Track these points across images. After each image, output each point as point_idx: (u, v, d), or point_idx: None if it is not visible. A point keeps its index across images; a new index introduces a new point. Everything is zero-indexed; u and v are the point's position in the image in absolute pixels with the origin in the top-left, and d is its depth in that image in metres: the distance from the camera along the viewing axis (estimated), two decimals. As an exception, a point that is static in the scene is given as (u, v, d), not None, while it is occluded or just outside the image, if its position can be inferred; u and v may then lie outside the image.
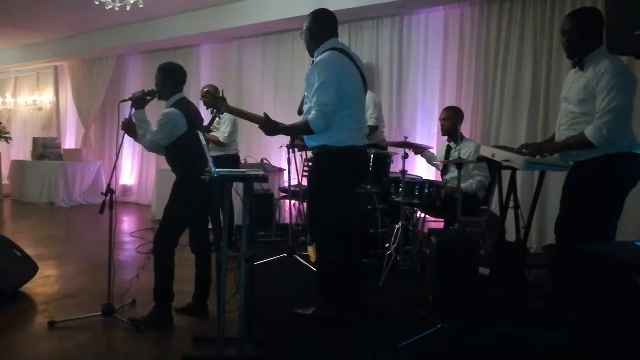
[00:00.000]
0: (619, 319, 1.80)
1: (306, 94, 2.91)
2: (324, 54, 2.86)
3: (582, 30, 2.67)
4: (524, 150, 3.01)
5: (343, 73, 2.81)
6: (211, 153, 4.75)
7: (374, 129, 4.88)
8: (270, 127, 2.85)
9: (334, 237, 2.90)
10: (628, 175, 2.66)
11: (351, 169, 2.92)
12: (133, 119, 3.03)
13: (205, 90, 5.05)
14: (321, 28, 2.95)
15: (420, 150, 4.43)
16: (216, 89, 5.08)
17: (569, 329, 2.52)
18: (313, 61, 2.96)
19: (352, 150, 2.86)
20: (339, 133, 2.80)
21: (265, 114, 2.86)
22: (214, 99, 3.08)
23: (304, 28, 2.99)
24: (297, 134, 3.02)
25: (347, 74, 2.84)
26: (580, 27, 2.67)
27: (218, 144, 4.89)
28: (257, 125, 2.90)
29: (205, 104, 5.08)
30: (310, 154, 5.31)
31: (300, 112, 3.19)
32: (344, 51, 2.94)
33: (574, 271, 2.52)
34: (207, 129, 4.86)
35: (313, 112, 2.75)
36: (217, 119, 4.77)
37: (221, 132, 4.90)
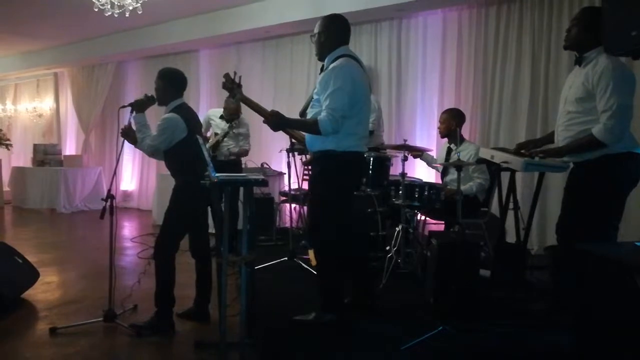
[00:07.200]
0: (619, 320, 1.80)
1: (316, 97, 2.92)
2: (340, 60, 2.87)
3: (586, 26, 2.67)
4: (522, 151, 3.01)
5: (357, 81, 2.84)
6: (221, 158, 4.86)
7: (370, 133, 4.89)
8: (277, 121, 2.87)
9: (334, 239, 2.91)
10: (628, 175, 2.66)
11: (355, 174, 3.00)
12: (132, 122, 3.03)
13: (232, 105, 5.02)
14: (337, 33, 2.95)
15: (418, 153, 4.43)
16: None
17: (569, 330, 2.53)
18: (323, 66, 2.97)
19: (356, 155, 2.92)
20: (346, 139, 2.84)
21: (275, 110, 2.90)
22: (232, 83, 3.06)
23: (317, 30, 2.97)
24: (302, 130, 3.04)
25: (360, 82, 2.87)
26: (586, 22, 2.68)
27: (245, 154, 5.14)
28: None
29: (225, 114, 5.04)
30: (309, 157, 5.33)
31: (301, 114, 3.19)
32: (355, 58, 2.97)
33: (575, 272, 2.52)
34: (222, 139, 4.91)
35: (324, 114, 2.77)
36: (232, 132, 4.85)
37: (246, 143, 5.11)
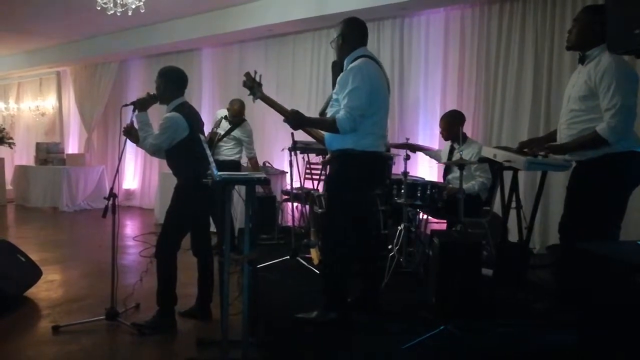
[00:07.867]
0: (622, 319, 1.79)
1: (335, 97, 2.94)
2: (358, 60, 2.91)
3: (588, 24, 2.66)
4: (524, 150, 3.00)
5: (375, 81, 2.87)
6: (217, 157, 4.87)
7: None
8: (297, 120, 2.89)
9: (342, 239, 2.92)
10: (630, 173, 2.65)
11: (372, 174, 3.01)
12: (135, 121, 3.04)
13: (236, 106, 5.01)
14: (354, 36, 3.02)
15: (417, 148, 4.45)
16: (243, 104, 5.09)
17: (572, 329, 2.52)
18: (342, 67, 3.00)
19: (375, 155, 2.93)
20: (365, 138, 2.86)
21: (295, 109, 2.92)
22: (252, 81, 3.07)
23: (335, 35, 3.03)
24: (321, 128, 3.09)
25: (378, 82, 2.91)
26: (588, 20, 2.67)
27: (255, 162, 5.18)
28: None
29: (229, 116, 5.05)
30: (312, 157, 5.35)
31: (321, 114, 3.23)
32: (374, 59, 3.00)
33: (578, 271, 2.51)
34: (221, 138, 4.93)
35: (342, 112, 2.81)
36: (232, 134, 4.87)
37: (251, 149, 5.11)
